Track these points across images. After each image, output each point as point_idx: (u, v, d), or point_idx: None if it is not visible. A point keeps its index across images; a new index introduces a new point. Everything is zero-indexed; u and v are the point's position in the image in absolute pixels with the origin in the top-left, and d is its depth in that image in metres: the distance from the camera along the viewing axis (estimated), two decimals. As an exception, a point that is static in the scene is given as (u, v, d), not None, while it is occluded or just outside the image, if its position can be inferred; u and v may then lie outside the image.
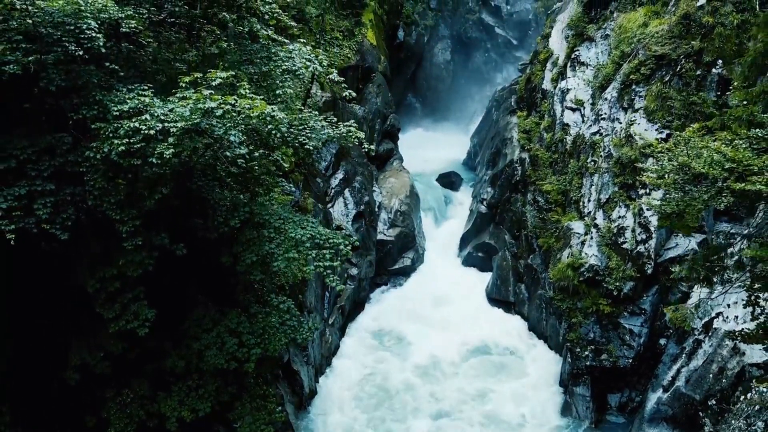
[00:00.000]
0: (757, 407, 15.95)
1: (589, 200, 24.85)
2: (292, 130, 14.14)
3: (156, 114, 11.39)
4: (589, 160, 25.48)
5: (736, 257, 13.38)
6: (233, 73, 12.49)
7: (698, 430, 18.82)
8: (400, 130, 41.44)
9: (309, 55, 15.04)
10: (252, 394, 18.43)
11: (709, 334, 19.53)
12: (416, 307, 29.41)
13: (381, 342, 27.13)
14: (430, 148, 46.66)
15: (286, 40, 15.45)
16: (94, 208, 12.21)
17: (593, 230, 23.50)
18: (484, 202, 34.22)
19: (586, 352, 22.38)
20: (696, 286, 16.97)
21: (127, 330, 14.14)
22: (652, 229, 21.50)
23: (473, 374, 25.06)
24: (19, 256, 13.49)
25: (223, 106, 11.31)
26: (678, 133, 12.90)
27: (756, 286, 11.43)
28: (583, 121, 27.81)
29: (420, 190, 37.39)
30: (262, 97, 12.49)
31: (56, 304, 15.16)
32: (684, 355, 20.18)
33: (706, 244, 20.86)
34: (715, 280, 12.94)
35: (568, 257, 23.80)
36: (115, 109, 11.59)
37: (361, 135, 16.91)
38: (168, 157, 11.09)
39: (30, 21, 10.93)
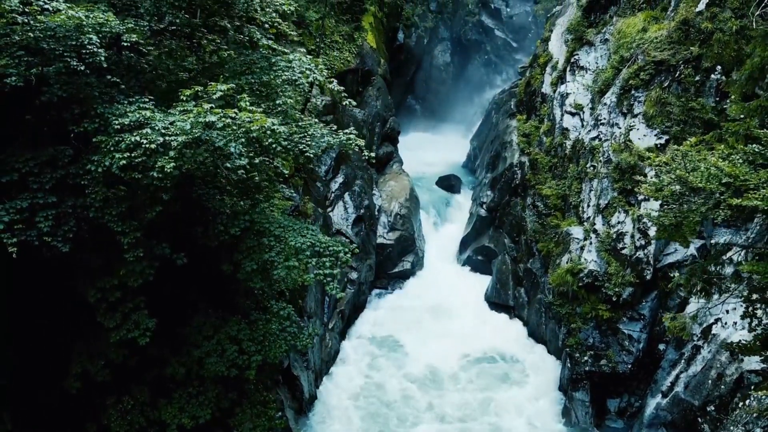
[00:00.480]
0: (755, 414, 16.02)
1: (588, 205, 24.92)
2: (292, 137, 14.17)
3: (157, 127, 11.44)
4: (588, 165, 25.54)
5: (734, 269, 13.44)
6: (233, 85, 12.54)
7: (697, 436, 18.90)
8: (400, 133, 41.50)
9: (309, 64, 15.09)
10: (252, 400, 18.50)
11: (708, 340, 19.60)
12: (416, 312, 29.45)
13: (380, 348, 27.11)
14: (430, 151, 46.74)
15: (286, 50, 15.49)
16: (95, 220, 12.26)
17: (592, 235, 23.56)
18: (484, 206, 34.28)
19: (586, 358, 22.44)
20: (693, 297, 17.00)
21: (128, 339, 14.18)
22: (651, 234, 21.55)
23: (472, 382, 25.01)
24: (19, 265, 13.55)
25: (223, 119, 11.36)
26: (676, 147, 12.93)
27: (753, 297, 11.49)
28: (582, 126, 27.87)
29: (420, 193, 37.45)
30: (262, 109, 12.54)
31: (57, 313, 15.21)
32: (683, 361, 20.26)
33: (705, 250, 20.93)
34: (712, 290, 12.99)
35: (567, 262, 23.87)
36: (116, 122, 11.64)
37: (361, 142, 16.95)
38: (169, 170, 11.14)
39: (32, 35, 10.97)
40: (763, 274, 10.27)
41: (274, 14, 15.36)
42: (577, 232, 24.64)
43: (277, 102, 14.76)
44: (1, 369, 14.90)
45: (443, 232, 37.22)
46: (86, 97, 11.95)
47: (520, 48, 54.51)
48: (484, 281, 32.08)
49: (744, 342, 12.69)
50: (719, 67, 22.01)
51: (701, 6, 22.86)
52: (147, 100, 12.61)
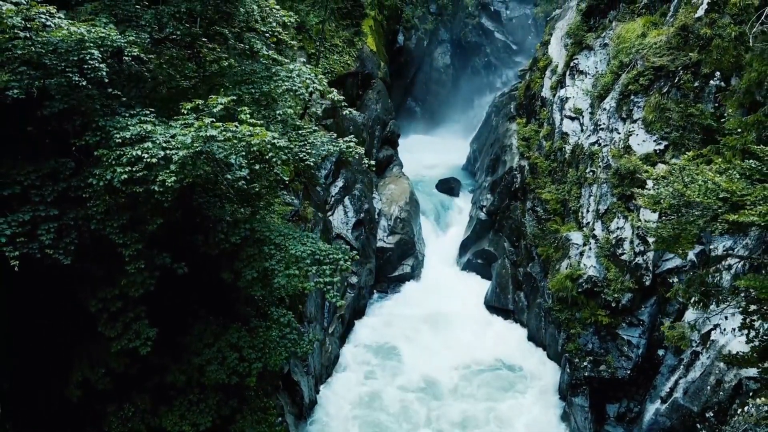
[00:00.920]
0: (753, 422, 16.07)
1: (587, 211, 24.97)
2: (292, 148, 14.23)
3: (158, 141, 11.50)
4: (587, 171, 25.60)
5: (732, 280, 13.50)
6: (233, 97, 12.60)
7: (696, 443, 18.96)
8: (400, 136, 41.57)
9: (309, 74, 15.15)
10: (252, 406, 18.58)
11: (707, 346, 19.65)
12: (415, 317, 29.47)
13: (380, 354, 27.07)
14: (430, 153, 46.83)
15: (286, 60, 15.55)
16: (96, 232, 12.32)
17: (592, 241, 23.62)
18: (484, 209, 34.35)
19: (585, 363, 22.50)
20: (692, 308, 17.06)
21: (129, 348, 14.26)
22: (650, 240, 21.59)
23: (472, 392, 24.90)
24: (20, 273, 13.61)
25: (224, 133, 11.43)
26: (674, 161, 13.00)
27: (751, 308, 11.56)
28: (582, 131, 27.92)
29: (420, 196, 37.52)
30: (262, 122, 12.60)
31: (57, 320, 15.27)
32: (682, 367, 20.31)
33: (704, 256, 20.98)
34: (710, 302, 13.06)
35: (566, 268, 23.93)
36: (118, 136, 11.70)
37: (361, 150, 17.02)
38: (170, 184, 11.20)
39: (34, 50, 11.03)
40: (759, 289, 10.34)
41: (274, 24, 15.42)
42: (576, 237, 24.70)
43: (278, 112, 14.82)
44: (2, 373, 14.96)
45: (443, 235, 37.32)
46: (88, 109, 12.02)
47: (520, 50, 54.57)
48: (484, 285, 32.16)
49: (741, 353, 12.75)
50: (718, 73, 22.03)
51: (700, 12, 22.90)
52: (148, 112, 12.67)
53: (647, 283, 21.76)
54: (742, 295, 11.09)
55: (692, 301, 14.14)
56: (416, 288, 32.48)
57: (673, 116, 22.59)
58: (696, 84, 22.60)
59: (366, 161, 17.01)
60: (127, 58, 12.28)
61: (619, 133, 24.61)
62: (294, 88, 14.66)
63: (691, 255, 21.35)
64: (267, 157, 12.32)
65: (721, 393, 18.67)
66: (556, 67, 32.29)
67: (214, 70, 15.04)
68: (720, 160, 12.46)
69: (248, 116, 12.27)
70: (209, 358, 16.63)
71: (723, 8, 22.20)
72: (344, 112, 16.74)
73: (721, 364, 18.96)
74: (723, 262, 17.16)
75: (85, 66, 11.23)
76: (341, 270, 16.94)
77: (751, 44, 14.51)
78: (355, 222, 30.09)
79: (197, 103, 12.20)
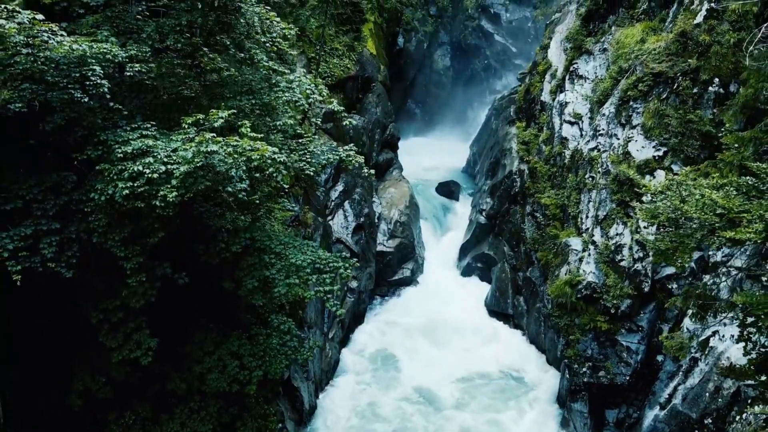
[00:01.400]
0: (751, 430, 16.14)
1: (587, 216, 25.03)
2: (291, 160, 14.31)
3: (159, 156, 11.57)
4: (587, 176, 25.65)
5: (729, 290, 13.57)
6: (234, 111, 12.66)
7: (695, 449, 19.02)
8: (400, 138, 41.61)
9: (309, 84, 15.22)
10: (253, 413, 18.66)
11: (706, 352, 19.71)
12: (415, 322, 29.52)
13: (379, 362, 27.01)
14: (430, 155, 46.88)
15: (287, 71, 15.62)
16: (98, 245, 12.39)
17: (591, 247, 23.68)
18: (484, 213, 34.40)
19: (584, 369, 22.56)
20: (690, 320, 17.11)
21: (130, 358, 14.34)
22: (650, 253, 21.65)
23: (471, 399, 24.86)
24: (22, 284, 13.67)
25: (225, 148, 11.50)
26: (672, 176, 13.07)
27: (748, 321, 11.63)
28: (581, 136, 27.97)
29: (420, 200, 37.56)
30: (262, 135, 12.68)
31: (59, 331, 15.34)
32: (681, 373, 20.38)
33: (703, 262, 21.03)
34: (708, 314, 13.13)
35: (566, 274, 23.99)
36: (119, 150, 11.77)
37: (361, 159, 17.10)
38: (171, 199, 11.28)
39: (36, 66, 11.09)
40: (755, 306, 10.41)
41: (274, 34, 15.48)
42: (575, 243, 24.76)
43: (277, 123, 14.90)
44: (4, 381, 15.03)
45: (443, 239, 37.37)
46: (89, 123, 12.09)
47: (520, 53, 54.62)
48: (484, 288, 32.22)
49: (738, 366, 12.82)
50: (717, 80, 22.08)
51: (699, 18, 22.95)
52: (149, 125, 12.73)
53: (646, 289, 21.83)
54: (740, 307, 11.16)
55: (690, 313, 14.19)
56: (416, 292, 32.55)
57: (672, 122, 22.65)
58: (695, 90, 22.65)
59: (366, 170, 17.08)
60: (128, 74, 12.32)
61: (618, 139, 24.66)
62: (294, 99, 14.74)
63: (690, 261, 21.41)
64: (267, 172, 12.39)
65: (719, 400, 18.73)
66: (555, 72, 32.34)
67: (215, 79, 15.08)
68: (717, 174, 12.53)
69: (248, 129, 12.34)
70: (210, 367, 16.73)
71: (722, 15, 22.27)
72: (344, 123, 16.78)
73: (720, 370, 19.04)
74: (722, 268, 17.20)
75: (87, 83, 11.30)
76: (341, 278, 17.03)
77: (747, 63, 14.56)
78: (355, 226, 30.14)
79: (198, 117, 12.26)
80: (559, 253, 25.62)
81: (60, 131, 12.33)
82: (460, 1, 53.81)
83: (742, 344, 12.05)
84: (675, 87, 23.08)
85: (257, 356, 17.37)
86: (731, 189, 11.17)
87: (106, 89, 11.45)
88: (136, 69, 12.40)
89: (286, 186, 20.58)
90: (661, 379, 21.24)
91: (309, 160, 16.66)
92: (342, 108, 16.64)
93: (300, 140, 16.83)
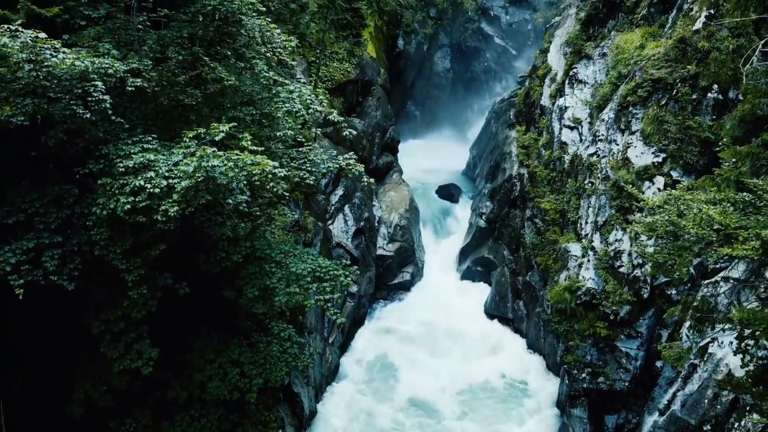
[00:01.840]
0: (750, 438, 16.20)
1: (586, 222, 25.10)
2: (291, 173, 14.38)
3: (161, 171, 11.64)
4: (586, 182, 25.71)
5: (727, 303, 13.65)
6: (234, 123, 12.73)
7: (694, 455, 19.07)
8: (400, 141, 41.68)
9: (309, 95, 15.30)
10: (253, 420, 18.71)
11: (704, 359, 19.77)
12: (415, 327, 29.57)
13: (379, 369, 26.98)
14: (430, 158, 46.91)
15: (287, 81, 15.68)
16: (100, 257, 12.46)
17: (590, 253, 23.75)
18: (483, 217, 34.46)
19: (584, 375, 22.64)
20: (687, 332, 17.21)
21: (132, 368, 14.41)
22: (649, 248, 21.69)
23: (470, 407, 24.84)
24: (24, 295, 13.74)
25: (226, 162, 11.57)
26: (669, 190, 13.12)
27: (745, 333, 11.71)
28: (580, 141, 28.03)
29: (420, 203, 37.61)
30: (263, 148, 12.74)
31: (60, 340, 15.41)
32: (680, 379, 20.40)
33: (702, 268, 21.10)
34: (705, 326, 13.20)
35: (565, 280, 24.06)
36: (121, 164, 11.84)
37: (361, 168, 17.15)
38: (172, 214, 11.35)
39: (39, 82, 11.15)
40: (752, 322, 10.48)
41: (275, 44, 15.54)
42: (575, 249, 24.83)
43: (278, 134, 14.98)
44: (5, 390, 15.10)
45: (443, 242, 37.42)
46: (91, 137, 12.15)
47: (520, 55, 54.67)
48: (484, 292, 32.26)
49: (735, 378, 12.88)
50: (716, 86, 22.16)
51: (698, 25, 23.02)
52: (150, 138, 12.79)
53: (645, 295, 21.90)
54: (737, 321, 11.22)
55: (687, 326, 14.28)
56: (416, 296, 32.61)
57: (671, 129, 22.71)
58: (694, 96, 22.71)
59: (366, 179, 17.14)
60: (130, 89, 12.38)
61: (617, 145, 24.73)
62: (294, 109, 14.81)
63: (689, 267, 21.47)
64: (268, 187, 12.47)
65: (718, 407, 18.78)
66: (555, 76, 32.41)
67: (216, 89, 15.13)
68: (714, 189, 12.61)
69: (249, 142, 12.41)
70: (210, 375, 16.79)
71: (721, 21, 22.31)
72: (344, 133, 16.84)
73: (719, 377, 19.08)
74: (720, 278, 17.27)
75: (89, 98, 11.37)
76: (342, 286, 17.10)
77: (744, 82, 14.63)
78: (355, 230, 30.21)
79: (199, 131, 12.33)
80: (558, 259, 25.69)
81: (61, 143, 12.38)
82: (460, 3, 53.86)
83: (740, 356, 12.11)
84: (674, 93, 23.15)
85: (257, 364, 17.43)
86: (728, 205, 11.25)
87: (107, 105, 11.52)
88: (138, 84, 12.45)
89: (287, 194, 20.64)
90: (660, 385, 21.29)
91: (309, 169, 16.74)
92: (342, 119, 16.69)
93: (300, 149, 16.90)
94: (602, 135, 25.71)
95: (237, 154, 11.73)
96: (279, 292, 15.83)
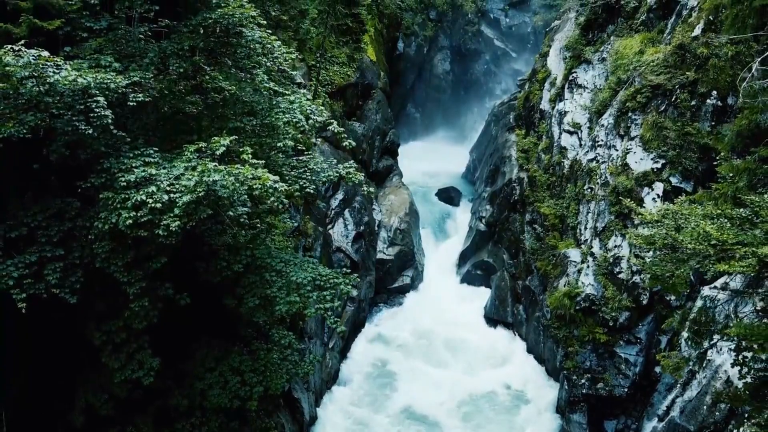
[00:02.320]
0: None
1: (585, 227, 25.16)
2: (292, 187, 14.45)
3: (162, 185, 11.70)
4: (585, 187, 25.78)
5: (725, 311, 13.72)
6: (235, 137, 12.80)
7: (693, 462, 19.12)
8: (400, 145, 41.73)
9: (310, 105, 15.37)
10: (254, 427, 18.78)
11: (703, 365, 19.84)
12: (415, 331, 29.63)
13: (378, 376, 27.00)
14: (430, 160, 46.97)
15: (287, 92, 15.75)
16: (101, 270, 12.53)
17: (590, 259, 23.81)
18: (483, 220, 34.52)
19: (583, 380, 22.71)
20: (686, 343, 17.28)
21: (133, 378, 14.48)
22: (647, 259, 21.76)
23: (468, 416, 24.83)
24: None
25: (227, 177, 11.64)
26: (667, 204, 13.19)
27: (743, 345, 11.77)
28: (580, 146, 28.10)
29: (419, 206, 37.67)
30: (264, 161, 12.81)
31: (61, 350, 15.47)
32: (679, 385, 20.48)
33: (701, 274, 21.15)
34: (703, 338, 13.27)
35: (564, 285, 24.13)
36: (122, 179, 11.91)
37: (361, 176, 17.23)
38: (174, 228, 11.41)
39: (41, 97, 11.22)
40: (750, 336, 10.55)
41: (276, 54, 15.60)
42: (574, 255, 24.90)
43: (278, 145, 15.06)
44: (6, 399, 15.16)
45: (443, 245, 37.47)
46: (93, 151, 12.22)
47: (519, 58, 54.73)
48: (483, 296, 32.31)
49: (733, 391, 12.96)
50: (715, 93, 22.23)
51: (697, 31, 23.07)
52: (152, 151, 12.85)
53: (644, 301, 21.99)
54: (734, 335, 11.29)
55: (685, 337, 14.34)
56: (416, 299, 32.66)
57: (670, 135, 22.78)
58: (693, 103, 22.77)
59: (365, 188, 17.23)
60: (131, 103, 12.45)
61: (616, 150, 24.79)
62: (294, 120, 14.88)
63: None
64: (268, 202, 12.55)
65: (717, 413, 18.85)
66: (554, 80, 32.47)
67: (217, 99, 15.20)
68: (710, 204, 12.67)
69: (249, 156, 12.48)
70: (211, 383, 16.83)
71: (719, 28, 22.36)
72: (344, 144, 16.90)
73: (718, 384, 19.13)
74: (718, 289, 17.33)
75: (91, 114, 11.43)
76: (342, 294, 17.14)
77: (740, 97, 14.68)
78: (355, 235, 30.28)
79: (200, 145, 12.40)
80: (558, 264, 25.76)
81: (63, 157, 12.44)
82: (460, 5, 53.90)
83: (737, 368, 12.18)
84: (673, 99, 23.21)
85: (258, 372, 17.47)
86: (725, 221, 11.33)
87: (109, 120, 11.59)
88: (139, 99, 12.52)
89: (286, 202, 20.69)
90: (659, 391, 21.38)
91: (309, 177, 16.80)
92: (342, 130, 16.76)
93: (300, 158, 16.97)
94: (601, 140, 25.78)
95: (238, 168, 11.80)
96: (279, 302, 15.87)
